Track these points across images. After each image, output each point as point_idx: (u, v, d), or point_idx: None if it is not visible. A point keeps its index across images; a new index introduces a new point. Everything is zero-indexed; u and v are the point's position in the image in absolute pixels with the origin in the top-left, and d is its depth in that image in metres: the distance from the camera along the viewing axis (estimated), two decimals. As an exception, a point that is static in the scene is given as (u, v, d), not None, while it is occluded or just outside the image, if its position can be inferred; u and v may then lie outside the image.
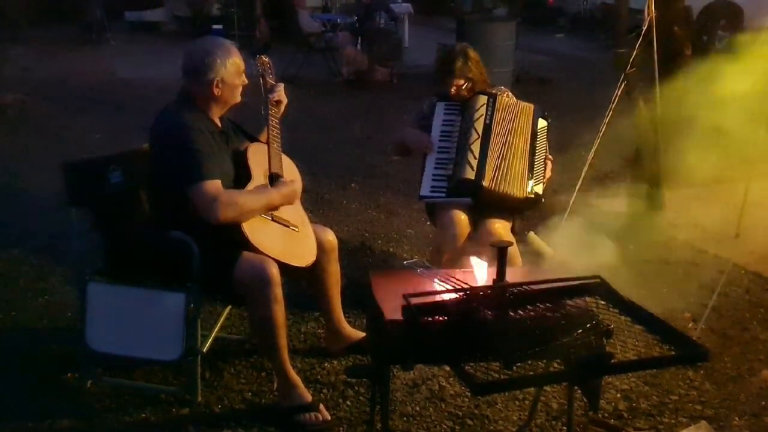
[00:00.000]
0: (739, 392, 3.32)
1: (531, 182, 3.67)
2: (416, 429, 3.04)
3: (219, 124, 3.15)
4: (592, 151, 4.66)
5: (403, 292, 2.34)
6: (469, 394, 3.19)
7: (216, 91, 3.05)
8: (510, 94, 3.87)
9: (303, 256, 3.15)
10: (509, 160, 3.65)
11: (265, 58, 3.37)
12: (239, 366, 3.41)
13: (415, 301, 2.29)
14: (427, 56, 10.14)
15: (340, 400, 3.19)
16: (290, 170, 3.32)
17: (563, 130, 4.73)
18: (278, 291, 2.94)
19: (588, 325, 2.19)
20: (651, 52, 4.60)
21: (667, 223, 5.16)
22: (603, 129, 4.65)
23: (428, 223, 3.92)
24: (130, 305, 3.10)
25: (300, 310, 3.81)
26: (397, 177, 6.03)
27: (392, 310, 2.39)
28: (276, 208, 3.11)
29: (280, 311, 2.96)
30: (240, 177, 3.09)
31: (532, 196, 3.68)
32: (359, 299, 3.65)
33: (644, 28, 4.53)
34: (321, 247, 3.28)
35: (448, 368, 3.27)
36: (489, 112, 3.68)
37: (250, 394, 3.23)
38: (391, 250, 4.79)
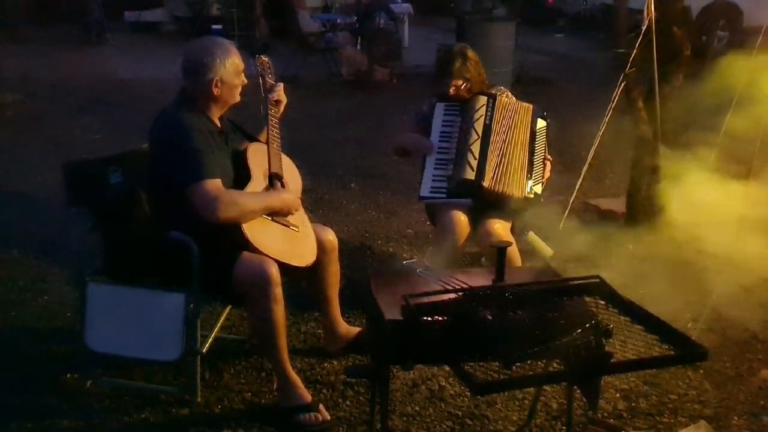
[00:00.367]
0: (739, 392, 3.32)
1: (530, 182, 3.68)
2: (416, 429, 3.04)
3: (218, 124, 3.15)
4: (592, 151, 4.66)
5: (403, 292, 2.35)
6: (468, 393, 3.20)
7: (215, 90, 3.05)
8: (509, 94, 3.88)
9: (303, 256, 3.16)
10: (509, 160, 3.66)
11: (265, 58, 3.37)
12: (239, 366, 3.41)
13: (414, 301, 2.29)
14: (427, 56, 10.13)
15: (340, 400, 3.20)
16: (290, 170, 3.32)
17: (563, 130, 4.73)
18: (278, 291, 2.94)
19: (587, 325, 2.19)
20: (650, 52, 4.60)
21: (667, 223, 5.16)
22: (602, 129, 4.65)
23: (428, 223, 3.92)
24: (129, 305, 3.11)
25: (300, 310, 3.82)
26: (397, 177, 6.03)
27: (392, 310, 2.39)
28: (275, 212, 3.11)
29: (280, 311, 2.96)
30: (240, 177, 3.09)
31: (532, 196, 3.69)
32: (359, 299, 3.65)
33: (644, 28, 4.53)
34: (321, 247, 3.28)
35: (447, 368, 3.27)
36: (489, 113, 3.68)
37: (249, 394, 3.23)
38: (391, 250, 4.79)
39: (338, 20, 11.48)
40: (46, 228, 4.81)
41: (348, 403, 3.18)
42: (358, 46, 10.70)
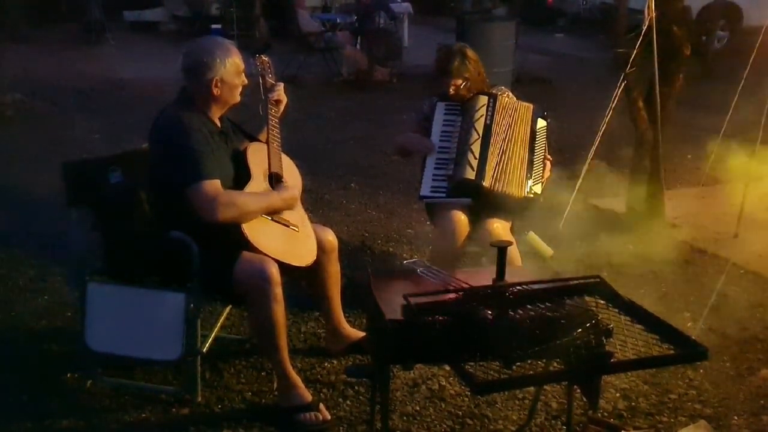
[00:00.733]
0: (738, 391, 3.32)
1: (530, 182, 3.68)
2: (416, 428, 3.04)
3: (218, 124, 3.15)
4: (592, 150, 4.67)
5: (403, 292, 2.34)
6: (469, 393, 3.20)
7: (215, 90, 3.05)
8: (510, 94, 3.88)
9: (303, 256, 3.15)
10: (509, 159, 3.66)
11: (265, 58, 3.37)
12: (239, 366, 3.41)
13: (415, 300, 2.29)
14: (427, 56, 10.09)
15: (340, 400, 3.20)
16: (290, 170, 3.32)
17: (563, 129, 4.74)
18: (278, 291, 2.94)
19: (588, 325, 2.19)
20: (650, 52, 4.60)
21: (667, 223, 5.16)
22: (602, 129, 4.65)
23: (428, 223, 3.93)
24: (130, 305, 3.11)
25: (300, 310, 3.82)
26: (397, 177, 6.03)
27: (392, 310, 2.39)
28: (276, 211, 3.11)
29: (280, 311, 2.96)
30: (239, 177, 3.09)
31: (531, 195, 3.68)
32: (359, 299, 3.65)
33: (644, 28, 4.53)
34: (321, 247, 3.28)
35: (448, 368, 3.28)
36: (489, 113, 3.68)
37: (250, 394, 3.23)
38: (391, 250, 4.79)
39: (338, 20, 11.48)
40: (46, 228, 4.81)
41: (348, 402, 3.19)
42: (358, 46, 10.69)
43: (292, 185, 3.24)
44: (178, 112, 3.05)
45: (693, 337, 2.30)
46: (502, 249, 2.49)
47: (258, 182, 3.11)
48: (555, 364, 2.35)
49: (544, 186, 3.81)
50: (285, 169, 3.25)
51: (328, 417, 3.04)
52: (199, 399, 3.15)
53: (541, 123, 3.78)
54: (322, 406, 3.08)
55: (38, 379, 3.29)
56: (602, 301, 2.45)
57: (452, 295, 2.39)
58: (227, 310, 3.63)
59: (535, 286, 2.42)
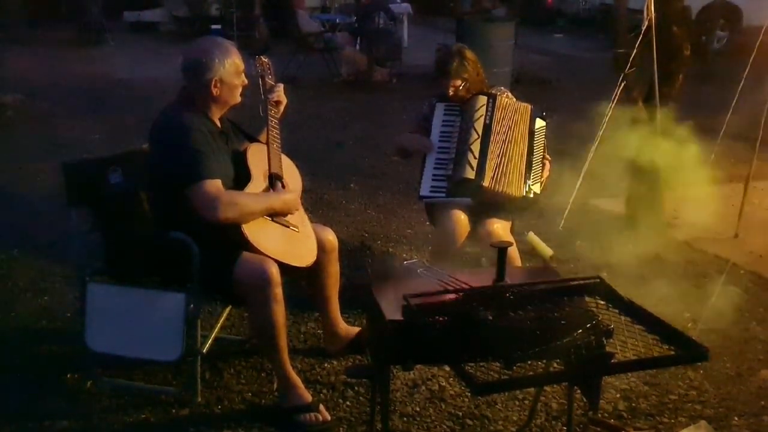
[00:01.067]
0: (739, 392, 3.32)
1: (529, 182, 3.68)
2: (416, 429, 3.04)
3: (219, 125, 3.14)
4: (592, 150, 4.67)
5: (403, 292, 2.34)
6: (469, 394, 3.20)
7: (214, 91, 3.05)
8: (509, 94, 3.88)
9: (303, 256, 3.15)
10: (508, 159, 3.66)
11: (265, 59, 3.37)
12: (239, 366, 3.41)
13: (415, 301, 2.29)
14: (427, 56, 10.11)
15: (340, 401, 3.20)
16: (290, 171, 3.32)
17: (562, 130, 4.73)
18: (278, 291, 2.94)
19: (588, 325, 2.19)
20: (650, 52, 4.60)
21: (667, 223, 5.16)
22: (602, 129, 4.65)
23: (428, 223, 3.93)
24: (129, 305, 3.10)
25: (300, 310, 3.81)
26: (396, 177, 6.03)
27: (392, 310, 2.39)
28: (276, 213, 3.11)
29: (280, 311, 2.96)
30: (239, 177, 3.09)
31: (531, 195, 3.69)
32: (359, 299, 3.65)
33: (644, 28, 4.53)
34: (321, 248, 3.28)
35: (448, 368, 3.27)
36: (489, 113, 3.69)
37: (250, 394, 3.23)
38: (391, 250, 4.79)
39: (337, 20, 11.48)
40: (46, 228, 4.81)
41: (348, 403, 3.18)
42: (358, 47, 10.70)
43: (292, 187, 3.24)
44: (179, 113, 3.05)
45: (693, 338, 2.29)
46: (502, 249, 2.49)
47: (258, 183, 3.10)
48: (555, 365, 2.35)
49: (543, 186, 3.82)
50: (285, 170, 3.25)
51: (328, 417, 3.04)
52: (199, 399, 3.15)
53: (540, 123, 3.78)
54: (322, 406, 3.07)
55: (38, 379, 3.29)
56: (602, 302, 2.45)
57: (452, 296, 2.39)
58: (227, 310, 3.62)
59: (536, 287, 2.42)
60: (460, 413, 3.13)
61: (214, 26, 11.97)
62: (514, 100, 3.84)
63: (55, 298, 4.01)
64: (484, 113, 3.69)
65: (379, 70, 10.09)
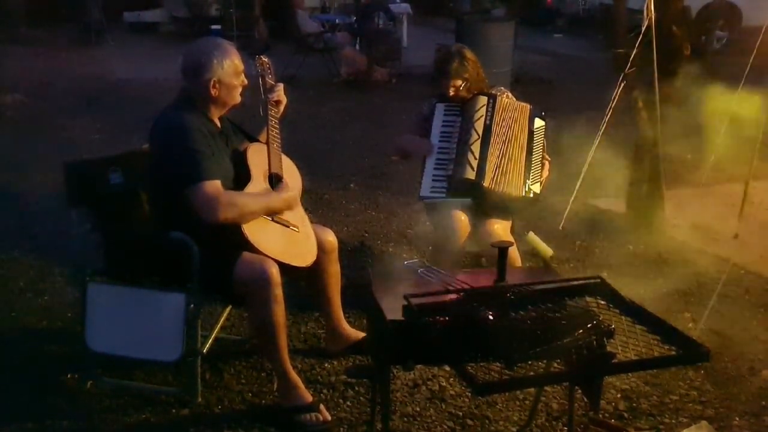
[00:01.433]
0: (740, 392, 3.32)
1: (529, 182, 3.68)
2: (416, 429, 3.04)
3: (218, 125, 3.14)
4: (592, 150, 4.67)
5: (403, 292, 2.34)
6: (469, 394, 3.19)
7: (213, 91, 3.04)
8: (509, 94, 3.88)
9: (303, 256, 3.15)
10: (508, 160, 3.66)
11: (265, 59, 3.36)
12: (239, 366, 3.41)
13: (415, 301, 2.29)
14: (426, 56, 10.10)
15: (341, 401, 3.19)
16: (290, 171, 3.32)
17: (562, 130, 4.73)
18: (278, 291, 2.94)
19: (589, 326, 2.18)
20: (650, 52, 4.60)
21: (667, 223, 5.16)
22: (602, 129, 4.65)
23: (428, 223, 3.93)
24: (130, 306, 3.10)
25: (300, 310, 3.81)
26: (396, 177, 6.03)
27: (392, 310, 2.39)
28: (276, 212, 3.11)
29: (280, 311, 2.96)
30: (239, 177, 3.09)
31: (530, 195, 3.69)
32: (359, 299, 3.64)
33: (644, 28, 4.53)
34: (321, 248, 3.28)
35: (448, 368, 3.27)
36: (489, 113, 3.68)
37: (250, 394, 3.22)
38: (391, 250, 4.79)
39: (337, 20, 11.48)
40: (46, 228, 4.81)
41: (348, 403, 3.18)
42: (357, 47, 10.69)
43: (292, 186, 3.24)
44: (178, 113, 3.04)
45: (694, 338, 2.29)
46: (502, 250, 2.49)
47: (258, 183, 3.10)
48: (556, 365, 2.35)
49: (543, 186, 3.82)
50: (285, 170, 3.25)
51: (329, 417, 3.04)
52: (199, 400, 3.14)
53: (539, 123, 3.78)
54: (322, 406, 3.07)
55: (38, 379, 3.29)
56: (603, 302, 2.45)
57: (453, 296, 2.39)
58: (227, 310, 3.62)
59: (536, 287, 2.41)
60: (461, 413, 3.12)
61: (213, 27, 11.95)
62: (515, 100, 3.84)
63: (55, 298, 4.01)
64: (485, 114, 3.69)
65: (378, 70, 10.09)
